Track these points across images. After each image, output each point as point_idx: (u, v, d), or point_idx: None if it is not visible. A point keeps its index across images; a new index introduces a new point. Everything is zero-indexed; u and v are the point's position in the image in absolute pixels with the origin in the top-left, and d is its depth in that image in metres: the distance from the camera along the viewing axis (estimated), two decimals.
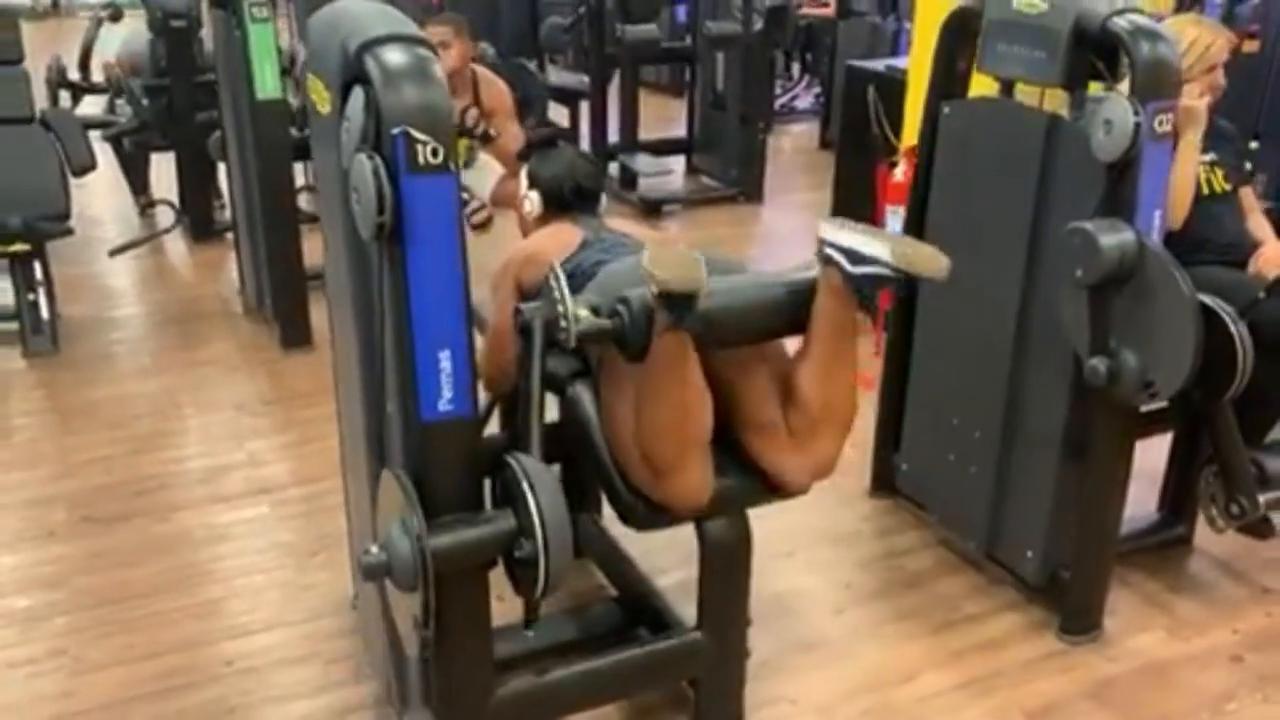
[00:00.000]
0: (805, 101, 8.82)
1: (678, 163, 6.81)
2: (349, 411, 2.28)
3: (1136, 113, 2.21)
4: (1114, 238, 2.24)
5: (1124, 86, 2.32)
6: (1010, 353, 2.66)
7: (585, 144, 6.92)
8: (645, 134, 6.87)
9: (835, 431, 2.14)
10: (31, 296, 4.15)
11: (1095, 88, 2.47)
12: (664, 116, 7.78)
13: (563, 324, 1.94)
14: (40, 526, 3.09)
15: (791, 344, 2.19)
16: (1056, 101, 2.58)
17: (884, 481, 3.24)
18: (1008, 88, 2.65)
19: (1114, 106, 2.24)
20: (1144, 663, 2.61)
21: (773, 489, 2.16)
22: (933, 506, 3.07)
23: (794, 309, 2.11)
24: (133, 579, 2.85)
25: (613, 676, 2.22)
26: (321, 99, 1.98)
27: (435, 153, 1.72)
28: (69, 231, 4.22)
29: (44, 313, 4.17)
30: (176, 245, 5.47)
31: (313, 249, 4.77)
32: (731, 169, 6.40)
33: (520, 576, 1.91)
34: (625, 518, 2.17)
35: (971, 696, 2.48)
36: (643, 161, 6.15)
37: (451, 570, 1.86)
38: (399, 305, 1.79)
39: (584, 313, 1.98)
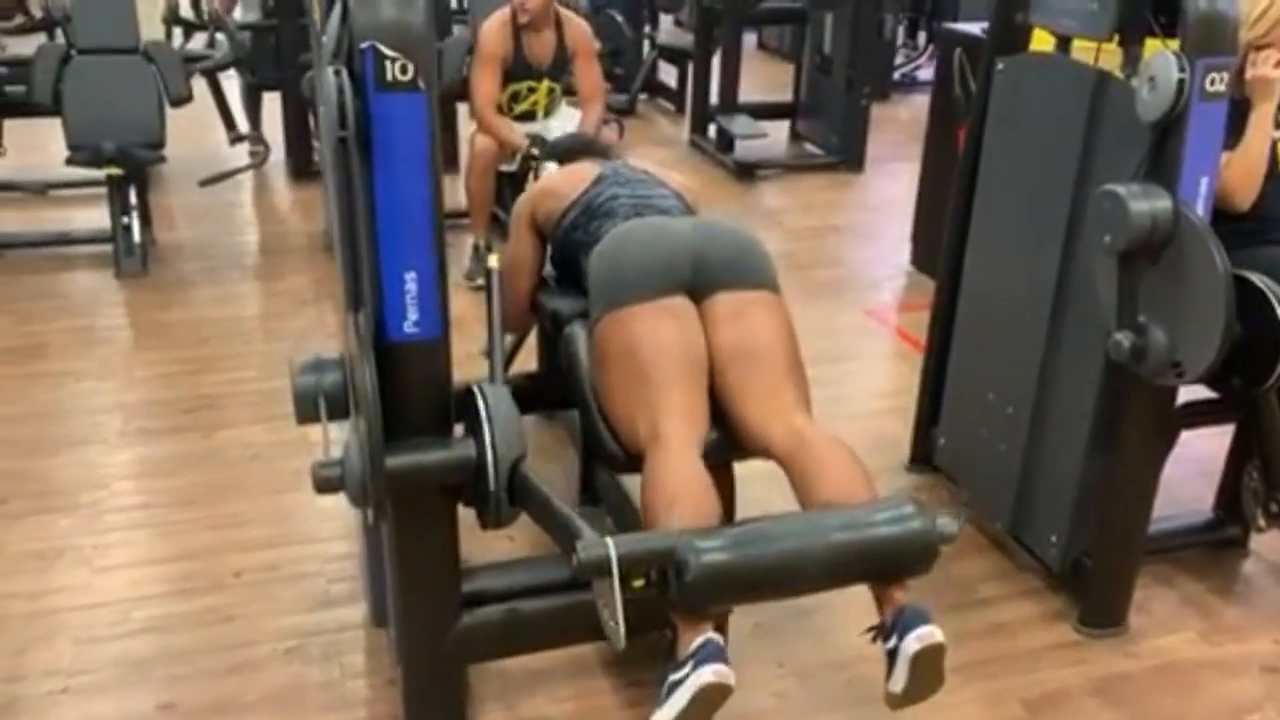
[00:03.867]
0: (928, 73, 8.50)
1: (781, 127, 6.70)
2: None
3: (1183, 69, 2.04)
4: (1146, 204, 2.08)
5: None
6: (1046, 324, 2.52)
7: (688, 104, 6.88)
8: (758, 97, 6.80)
9: None
10: (125, 220, 4.35)
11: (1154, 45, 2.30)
12: (779, 81, 7.61)
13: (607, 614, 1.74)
14: (98, 432, 3.25)
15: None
16: (1115, 60, 2.41)
17: (922, 455, 3.13)
18: (1064, 43, 2.49)
19: (1159, 61, 2.08)
20: (1165, 663, 2.45)
21: (743, 447, 2.10)
22: (965, 483, 2.94)
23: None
24: (167, 488, 2.98)
25: (580, 616, 2.19)
26: (317, 18, 1.99)
27: (405, 69, 1.71)
28: (161, 159, 4.40)
29: (136, 236, 4.36)
30: (277, 183, 5.66)
31: None
32: (834, 135, 6.24)
33: (479, 506, 1.92)
34: (605, 459, 2.15)
35: (966, 680, 2.37)
36: (738, 123, 6.04)
37: (406, 491, 1.87)
38: (367, 224, 1.80)
39: (637, 584, 1.74)
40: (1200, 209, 2.15)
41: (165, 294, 4.25)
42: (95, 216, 4.61)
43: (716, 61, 6.32)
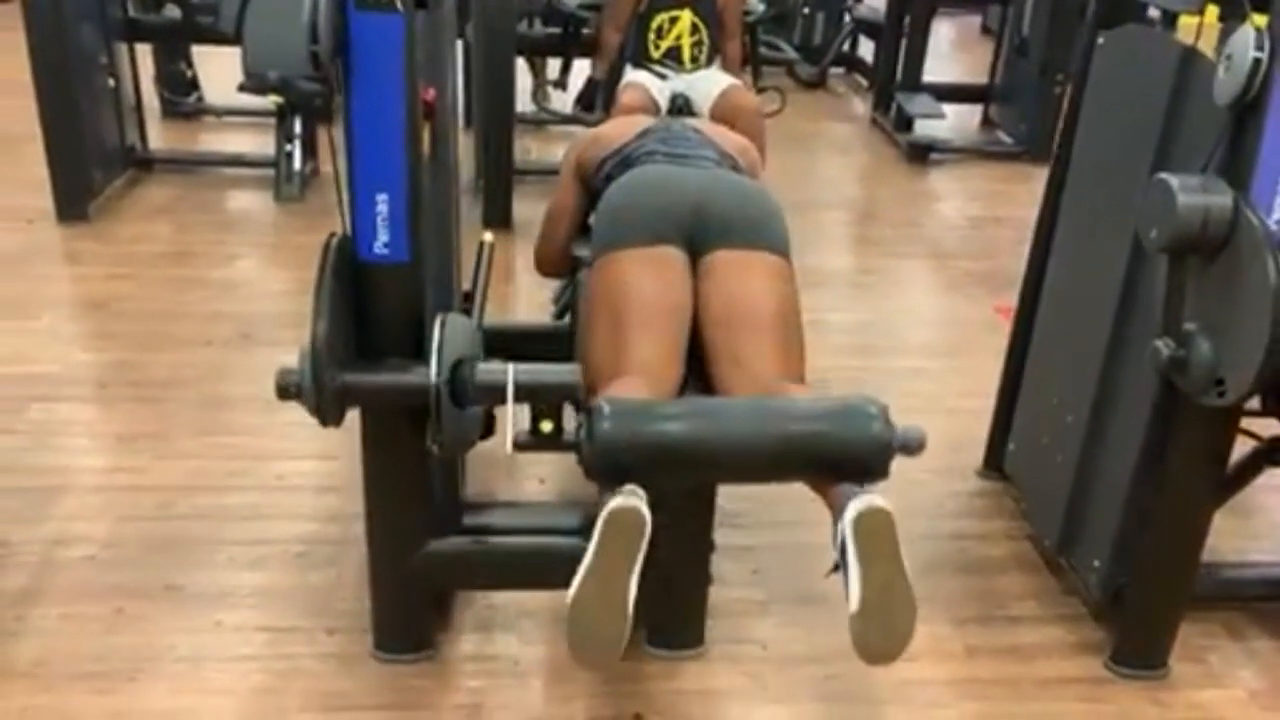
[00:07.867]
0: None
1: (974, 112, 6.37)
2: None
3: (1260, 46, 1.79)
4: (1200, 199, 1.84)
5: None
6: (1110, 327, 2.29)
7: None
8: (962, 79, 6.56)
9: None
10: (288, 148, 4.62)
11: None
12: (985, 63, 7.22)
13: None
14: (204, 336, 3.48)
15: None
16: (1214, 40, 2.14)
17: (994, 460, 2.92)
18: (1170, 19, 2.23)
19: (1238, 38, 1.83)
20: (1196, 718, 2.19)
21: None
22: (1025, 493, 2.72)
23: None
24: (243, 394, 3.15)
25: (547, 562, 2.18)
26: None
27: None
28: (323, 93, 4.63)
29: (296, 164, 4.63)
30: None
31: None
32: (1023, 124, 5.87)
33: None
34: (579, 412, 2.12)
35: (960, 697, 2.21)
36: (916, 102, 5.77)
37: (369, 409, 1.91)
38: (343, 142, 1.84)
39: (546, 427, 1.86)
40: (1277, 212, 1.88)
41: (312, 220, 4.49)
42: (267, 143, 4.93)
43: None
